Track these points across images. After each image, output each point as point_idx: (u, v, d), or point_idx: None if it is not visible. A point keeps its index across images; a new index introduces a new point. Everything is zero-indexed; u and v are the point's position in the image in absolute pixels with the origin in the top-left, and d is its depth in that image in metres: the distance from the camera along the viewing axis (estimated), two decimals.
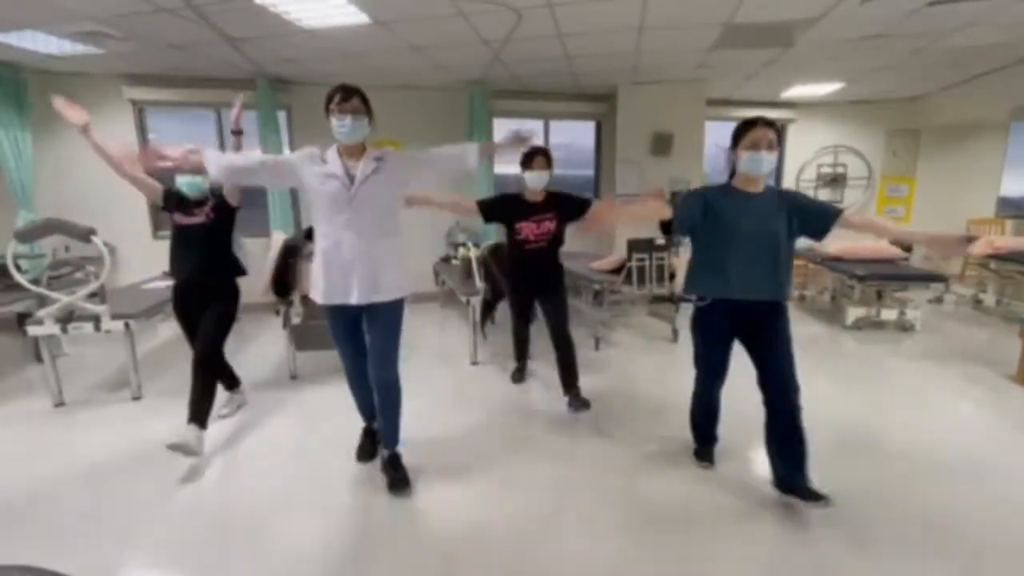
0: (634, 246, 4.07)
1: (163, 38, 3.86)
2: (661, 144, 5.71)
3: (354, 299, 2.11)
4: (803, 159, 6.86)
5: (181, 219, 2.63)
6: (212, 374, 2.69)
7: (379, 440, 2.42)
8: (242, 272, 2.82)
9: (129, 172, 2.52)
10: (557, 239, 3.00)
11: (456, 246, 5.20)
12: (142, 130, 5.27)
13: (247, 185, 2.44)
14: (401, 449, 2.33)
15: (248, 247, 5.79)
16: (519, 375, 3.53)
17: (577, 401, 2.89)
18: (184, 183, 2.60)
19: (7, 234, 3.19)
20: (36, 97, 4.71)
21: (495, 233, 5.64)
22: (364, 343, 2.28)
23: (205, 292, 2.68)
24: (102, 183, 5.08)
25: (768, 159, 1.96)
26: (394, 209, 2.21)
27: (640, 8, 3.41)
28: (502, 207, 3.01)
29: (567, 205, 2.96)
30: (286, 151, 5.45)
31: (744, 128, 2.00)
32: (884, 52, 4.47)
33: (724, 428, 2.43)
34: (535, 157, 2.86)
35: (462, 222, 5.70)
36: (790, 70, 5.08)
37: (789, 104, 6.56)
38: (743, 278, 2.01)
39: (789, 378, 2.02)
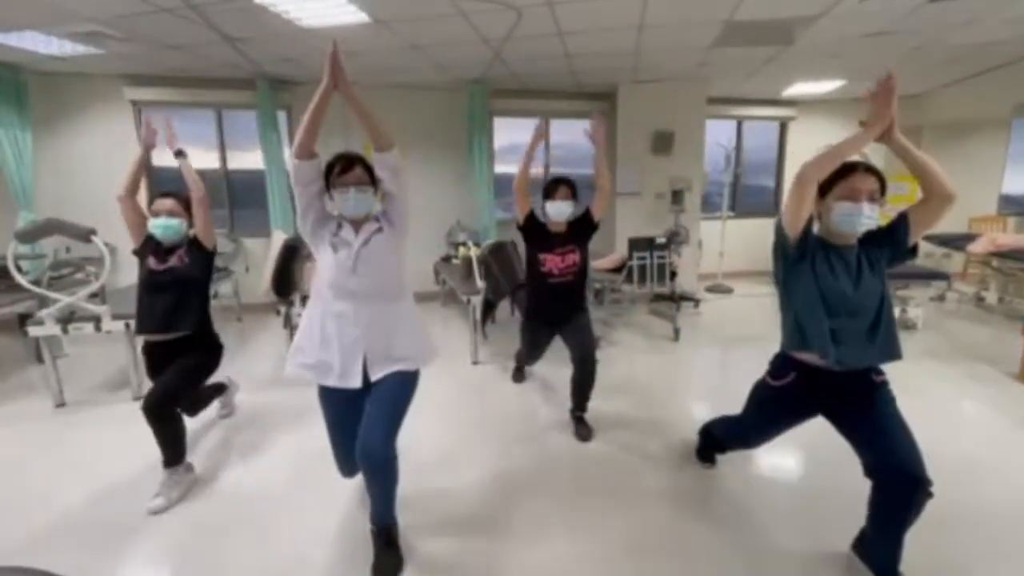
0: (635, 245, 4.07)
1: (163, 38, 3.86)
2: (662, 143, 5.70)
3: (357, 381, 1.80)
4: (804, 157, 6.81)
5: (154, 265, 2.30)
6: (164, 419, 2.21)
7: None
8: (215, 341, 2.45)
9: (132, 194, 2.38)
10: (583, 272, 2.76)
11: (456, 245, 5.20)
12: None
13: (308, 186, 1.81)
14: (399, 517, 1.89)
15: (249, 247, 5.85)
16: (519, 375, 3.54)
17: (583, 428, 2.75)
18: (158, 226, 2.29)
19: (8, 235, 3.19)
20: (37, 97, 4.71)
21: (495, 232, 5.65)
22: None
23: (177, 348, 2.31)
24: (102, 184, 5.12)
25: (869, 215, 1.59)
26: (401, 268, 1.91)
27: (640, 6, 3.40)
28: (534, 228, 2.72)
29: (583, 227, 2.73)
30: (286, 151, 5.45)
31: (841, 174, 1.62)
32: (885, 49, 4.45)
33: None
34: (559, 188, 2.65)
35: (462, 221, 5.70)
36: (791, 68, 5.07)
37: (790, 102, 6.55)
38: (844, 345, 1.64)
39: (904, 449, 1.63)
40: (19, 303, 3.72)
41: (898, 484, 1.60)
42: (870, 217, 1.60)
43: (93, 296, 3.15)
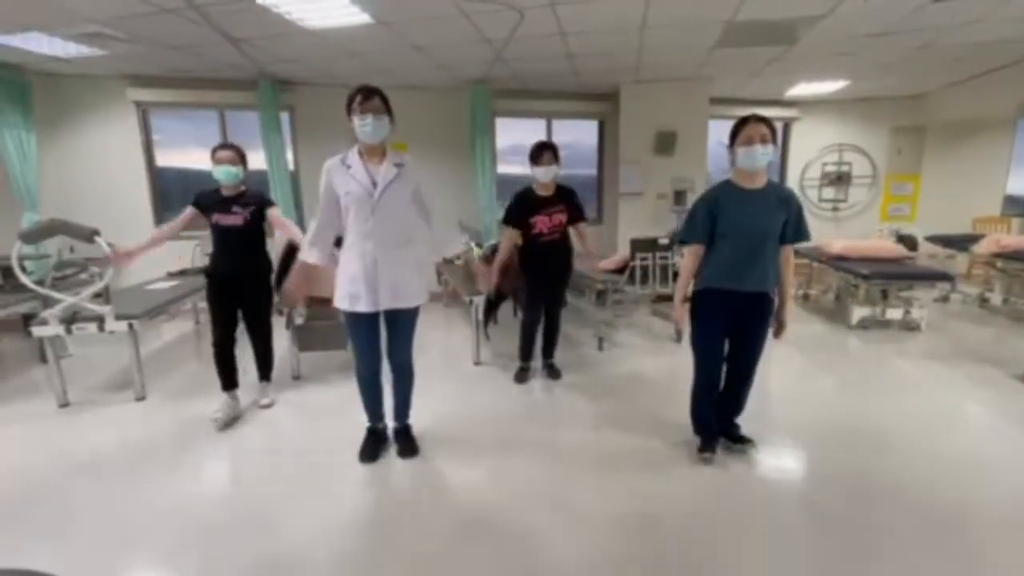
0: (637, 245, 4.06)
1: (166, 39, 3.87)
2: (664, 143, 5.69)
3: (370, 307, 2.26)
4: (807, 158, 6.83)
5: (220, 219, 2.81)
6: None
7: (387, 432, 2.63)
8: (271, 268, 3.10)
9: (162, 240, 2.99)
10: (567, 232, 3.28)
11: None
12: (146, 131, 5.29)
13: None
14: (411, 422, 2.59)
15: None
16: (523, 375, 3.52)
17: (552, 371, 3.53)
18: (221, 172, 2.75)
19: (12, 235, 3.20)
20: (41, 99, 4.73)
21: (497, 232, 5.64)
22: (380, 347, 2.42)
23: (242, 286, 2.91)
24: (106, 184, 5.14)
25: (763, 152, 2.08)
26: (413, 214, 2.34)
27: (642, 7, 3.40)
28: (520, 208, 3.21)
29: (572, 204, 3.26)
30: (288, 154, 5.47)
31: (739, 125, 2.13)
32: (889, 49, 4.44)
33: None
34: (543, 153, 3.09)
35: (465, 222, 5.70)
36: (794, 68, 5.06)
37: (793, 102, 6.53)
38: (739, 269, 2.16)
39: (759, 350, 2.33)
40: (23, 303, 3.73)
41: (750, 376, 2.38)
42: (764, 154, 2.08)
43: (97, 296, 3.16)
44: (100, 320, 3.08)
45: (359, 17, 3.41)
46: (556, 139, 6.23)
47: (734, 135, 2.14)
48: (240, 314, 2.98)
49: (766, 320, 2.28)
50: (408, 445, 2.55)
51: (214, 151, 2.78)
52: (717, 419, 2.48)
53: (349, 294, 2.26)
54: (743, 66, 5.01)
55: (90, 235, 3.03)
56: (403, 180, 2.24)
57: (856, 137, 6.77)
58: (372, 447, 2.52)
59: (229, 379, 2.99)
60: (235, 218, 2.82)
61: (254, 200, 2.89)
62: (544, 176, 3.13)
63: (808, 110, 6.63)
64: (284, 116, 5.36)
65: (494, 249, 4.19)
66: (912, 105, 6.57)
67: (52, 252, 4.55)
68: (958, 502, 2.11)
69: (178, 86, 5.04)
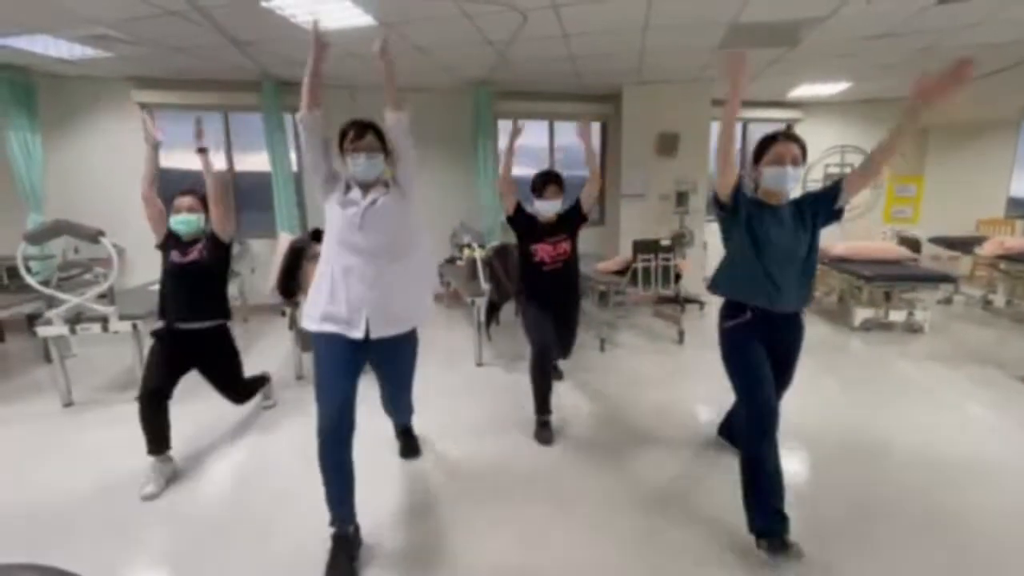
0: (639, 247, 4.06)
1: (170, 41, 3.89)
2: (667, 144, 5.69)
3: (359, 333, 1.85)
4: (810, 159, 6.76)
5: (176, 258, 2.45)
6: (164, 411, 2.46)
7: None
8: (228, 317, 2.66)
9: (150, 190, 2.49)
10: (574, 260, 2.87)
11: (461, 247, 5.20)
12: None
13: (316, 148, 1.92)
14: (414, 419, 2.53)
15: (254, 248, 5.87)
16: (544, 432, 2.74)
17: (555, 371, 3.15)
18: (179, 222, 2.44)
19: (17, 236, 3.22)
20: (46, 100, 4.76)
21: (500, 233, 5.65)
22: (355, 391, 1.88)
23: (199, 337, 2.51)
24: (110, 185, 5.16)
25: (793, 174, 1.88)
26: (409, 224, 1.98)
27: (645, 8, 3.40)
28: (523, 220, 2.82)
29: (572, 218, 2.84)
30: (292, 154, 5.48)
31: (767, 143, 1.93)
32: (892, 51, 4.43)
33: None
34: (547, 187, 2.73)
35: (467, 223, 5.71)
36: (796, 69, 5.05)
37: (795, 104, 6.53)
38: (780, 290, 1.90)
39: (792, 375, 2.09)
40: (28, 304, 3.75)
41: (765, 417, 1.88)
42: (794, 177, 1.89)
43: (101, 297, 3.18)
44: (104, 320, 3.10)
45: (362, 19, 3.43)
46: (558, 140, 6.25)
47: (760, 153, 1.93)
48: (194, 371, 2.57)
49: (798, 346, 2.03)
50: (410, 444, 2.54)
51: (173, 198, 2.49)
52: (732, 425, 2.32)
53: (325, 314, 1.85)
54: (746, 67, 5.00)
55: (95, 236, 3.05)
56: (393, 191, 1.96)
57: (859, 138, 6.76)
58: (344, 565, 1.78)
59: (158, 441, 2.38)
60: (193, 254, 2.47)
61: (208, 235, 2.54)
62: (547, 211, 2.75)
63: (810, 111, 6.62)
64: (287, 117, 5.38)
65: (496, 250, 4.20)
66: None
67: (57, 253, 4.57)
68: (961, 505, 2.10)
69: (182, 88, 5.06)
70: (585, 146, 2.80)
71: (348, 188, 1.93)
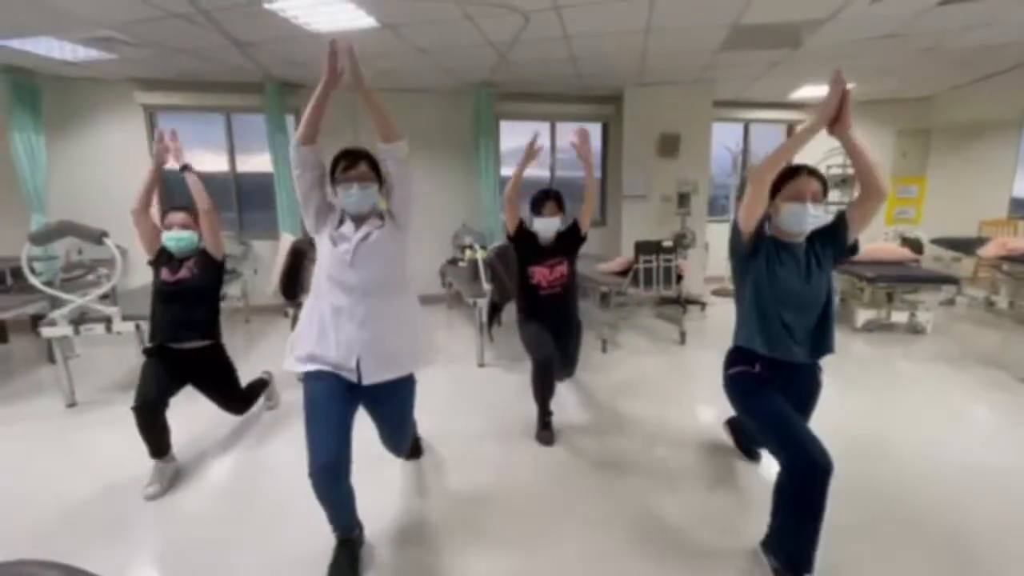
0: (641, 248, 4.06)
1: (174, 43, 3.91)
2: (668, 145, 5.70)
3: (352, 377, 1.76)
4: (811, 160, 6.71)
5: (166, 276, 2.39)
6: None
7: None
8: (217, 339, 2.57)
9: (146, 208, 2.42)
10: (572, 283, 2.82)
11: (463, 248, 5.21)
12: (153, 134, 5.34)
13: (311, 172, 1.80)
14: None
15: (257, 249, 5.89)
16: (546, 434, 2.74)
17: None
18: (171, 239, 2.38)
19: (22, 237, 3.24)
20: (50, 102, 4.78)
21: (501, 234, 5.66)
22: (349, 425, 1.75)
23: (190, 357, 2.45)
24: (114, 187, 5.18)
25: (814, 214, 1.71)
26: (404, 259, 1.88)
27: (647, 10, 3.41)
28: (524, 240, 2.79)
29: (571, 239, 2.79)
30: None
31: (786, 177, 1.74)
32: (894, 52, 4.43)
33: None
34: (546, 203, 2.68)
35: (468, 224, 5.72)
36: (798, 71, 5.05)
37: (798, 105, 6.53)
38: (797, 339, 1.75)
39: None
40: (32, 304, 3.77)
41: (817, 475, 1.57)
42: (814, 216, 1.72)
43: (104, 297, 3.19)
44: (107, 321, 3.11)
45: (364, 20, 3.44)
46: (559, 142, 6.26)
47: (777, 187, 1.74)
48: (192, 386, 2.52)
49: (815, 398, 1.90)
50: (412, 445, 2.53)
51: (163, 215, 2.44)
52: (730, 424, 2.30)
53: (311, 356, 1.75)
54: (747, 69, 5.01)
55: (99, 237, 3.06)
56: (388, 225, 1.83)
57: (861, 139, 6.75)
58: (346, 564, 1.77)
59: (158, 447, 2.35)
60: (183, 271, 2.41)
61: (200, 251, 2.49)
62: (546, 231, 2.71)
63: (813, 112, 6.61)
64: (290, 119, 5.40)
65: (497, 251, 4.20)
66: (917, 108, 6.56)
67: (60, 254, 4.59)
68: (964, 507, 2.10)
69: (185, 89, 5.08)
70: (585, 164, 2.70)
71: (341, 221, 1.81)
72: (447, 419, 2.96)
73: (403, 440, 2.11)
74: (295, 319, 3.56)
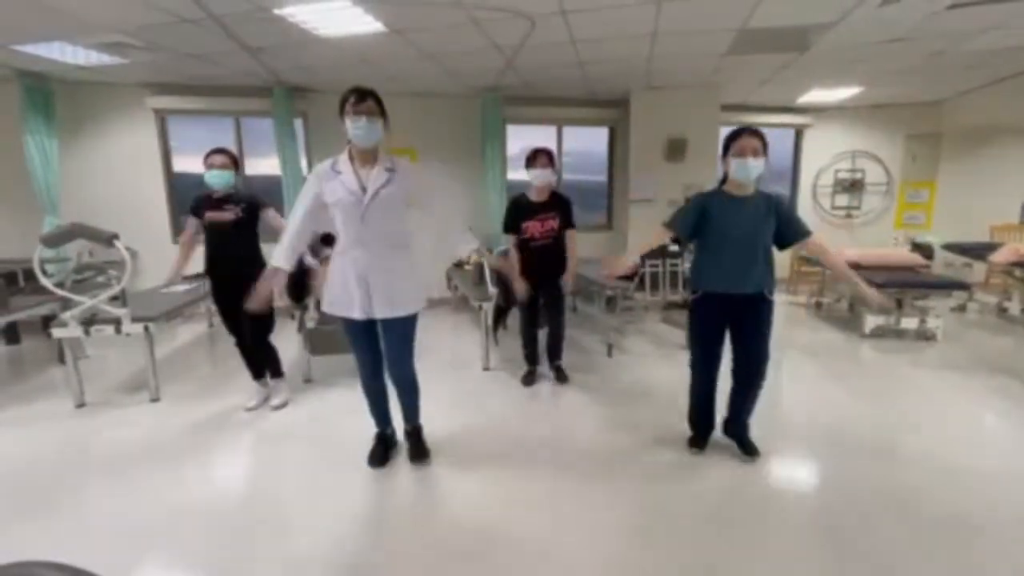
0: (647, 252, 4.04)
1: (185, 48, 3.95)
2: (675, 149, 5.69)
3: (363, 314, 2.19)
4: (820, 164, 6.77)
5: (213, 216, 2.87)
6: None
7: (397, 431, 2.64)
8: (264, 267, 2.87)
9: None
10: (562, 236, 3.28)
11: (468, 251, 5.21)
12: (164, 138, 5.40)
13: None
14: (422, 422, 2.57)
15: (265, 251, 5.91)
16: (529, 378, 3.55)
17: (560, 375, 3.51)
18: (213, 176, 2.85)
19: (34, 239, 3.28)
20: (63, 106, 4.85)
21: (507, 240, 5.66)
22: (379, 349, 2.35)
23: (241, 284, 2.67)
24: (125, 190, 5.24)
25: (754, 165, 2.18)
26: (405, 220, 2.25)
27: (654, 14, 3.41)
28: (515, 215, 3.29)
29: (565, 212, 3.27)
30: (302, 160, 5.54)
31: (732, 137, 2.24)
32: (903, 56, 4.40)
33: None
34: (538, 156, 3.13)
35: (475, 228, 5.71)
36: (806, 74, 5.03)
37: (805, 109, 6.49)
38: (733, 273, 2.26)
39: (763, 349, 2.34)
40: (43, 305, 3.81)
41: (757, 376, 2.38)
42: (755, 167, 2.19)
43: (114, 299, 3.22)
44: (117, 322, 3.14)
45: (372, 25, 3.47)
46: (566, 146, 6.27)
47: (727, 146, 2.25)
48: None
49: (765, 320, 2.33)
50: (419, 449, 2.54)
51: (207, 156, 2.87)
52: (730, 421, 2.54)
53: (341, 301, 2.22)
54: (754, 73, 5.00)
55: (109, 239, 3.10)
56: (395, 184, 2.16)
57: (869, 144, 6.71)
58: (381, 452, 2.51)
59: (255, 371, 3.19)
60: (227, 215, 2.89)
61: (245, 199, 2.96)
62: (538, 179, 3.15)
63: (820, 116, 6.58)
64: (298, 123, 5.44)
65: (503, 255, 4.20)
66: (927, 112, 6.50)
67: (72, 256, 4.65)
68: (973, 516, 2.07)
69: (195, 94, 5.14)
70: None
71: (336, 172, 2.13)
72: (453, 422, 2.96)
73: (405, 365, 2.39)
74: (302, 321, 3.59)
